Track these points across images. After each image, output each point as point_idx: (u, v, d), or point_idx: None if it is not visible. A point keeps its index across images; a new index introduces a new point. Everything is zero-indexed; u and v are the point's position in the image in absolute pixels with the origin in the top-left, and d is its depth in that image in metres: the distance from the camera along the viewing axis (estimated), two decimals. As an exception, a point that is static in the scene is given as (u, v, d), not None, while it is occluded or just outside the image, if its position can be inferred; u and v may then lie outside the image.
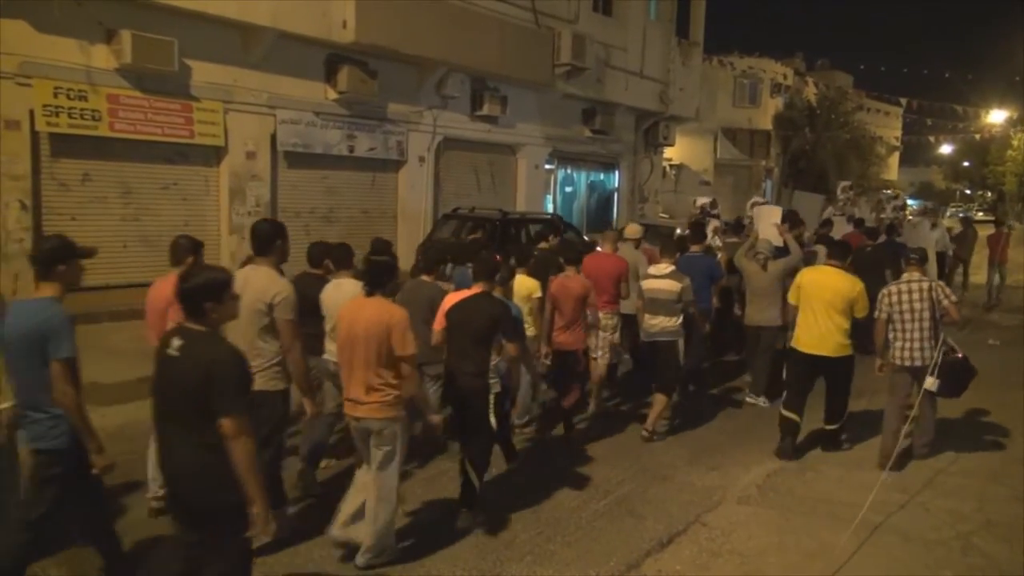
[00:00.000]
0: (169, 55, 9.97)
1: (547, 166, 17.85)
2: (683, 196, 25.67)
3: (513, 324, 4.96)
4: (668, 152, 23.98)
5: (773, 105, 31.42)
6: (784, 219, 8.80)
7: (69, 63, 9.48)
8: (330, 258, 5.79)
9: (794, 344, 6.46)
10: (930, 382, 5.86)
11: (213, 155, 11.35)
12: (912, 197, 46.47)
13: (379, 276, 4.35)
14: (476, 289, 5.05)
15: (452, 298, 5.15)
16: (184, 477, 3.18)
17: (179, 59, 10.13)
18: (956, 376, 5.94)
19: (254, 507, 3.11)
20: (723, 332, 9.15)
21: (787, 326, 7.01)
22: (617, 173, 20.47)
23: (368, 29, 11.85)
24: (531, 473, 5.90)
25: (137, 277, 9.70)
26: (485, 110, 15.04)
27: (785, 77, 31.99)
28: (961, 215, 25.39)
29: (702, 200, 14.81)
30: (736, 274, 8.44)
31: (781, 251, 8.08)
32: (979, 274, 15.66)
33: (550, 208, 17.79)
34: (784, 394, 6.65)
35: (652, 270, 6.89)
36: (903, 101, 29.48)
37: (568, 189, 19.38)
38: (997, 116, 31.47)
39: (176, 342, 3.16)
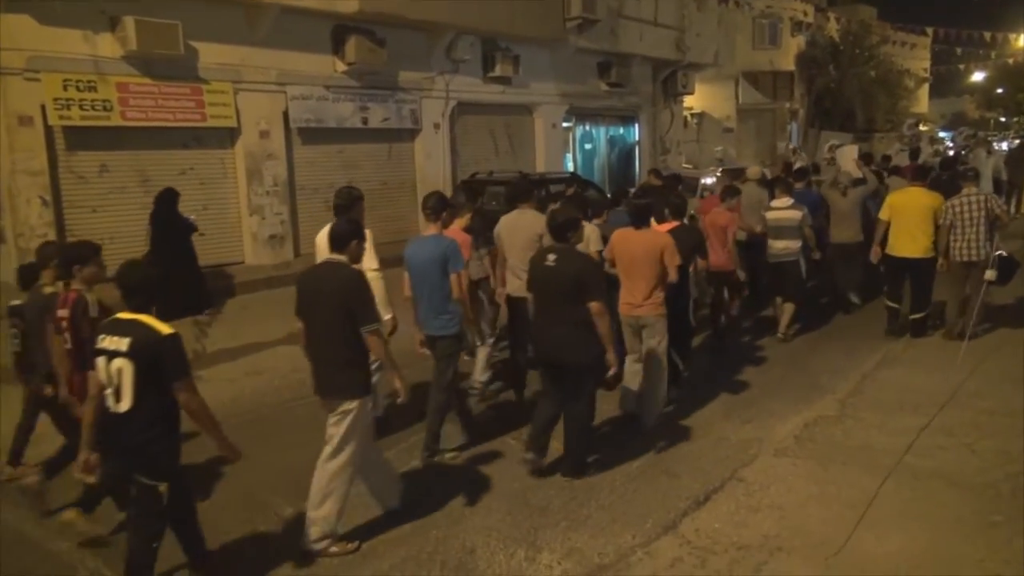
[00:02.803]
0: (174, 39, 9.86)
1: (565, 124, 17.55)
2: (706, 145, 25.14)
3: (702, 245, 6.62)
4: (688, 101, 23.40)
5: (795, 44, 30.34)
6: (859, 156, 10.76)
7: (76, 54, 9.43)
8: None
9: (888, 251, 8.01)
10: (990, 274, 7.26)
11: (227, 137, 11.30)
12: (944, 128, 45.12)
13: (642, 214, 5.91)
14: (675, 223, 6.42)
15: (664, 227, 6.34)
16: (560, 345, 4.87)
17: (185, 42, 10.01)
18: (1005, 268, 7.44)
19: (609, 356, 4.85)
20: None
21: (865, 242, 8.65)
22: (637, 126, 20.09)
23: (372, -3, 11.63)
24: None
25: (161, 264, 9.74)
26: (498, 71, 14.77)
27: (805, 14, 30.85)
28: (1014, 141, 26.08)
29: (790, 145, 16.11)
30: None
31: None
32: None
33: (570, 167, 17.53)
34: (885, 289, 8.41)
35: (775, 203, 8.38)
36: (929, 31, 28.41)
37: (588, 146, 19.07)
38: (1029, 39, 30.20)
39: (551, 256, 4.90)
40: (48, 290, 4.87)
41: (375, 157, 13.45)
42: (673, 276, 5.69)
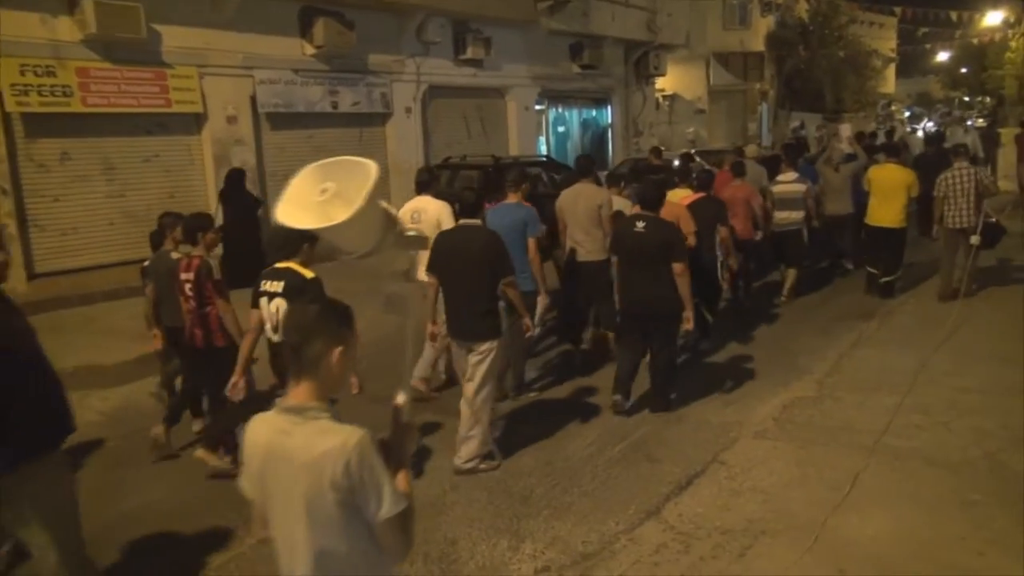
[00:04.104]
0: (136, 21, 9.58)
1: (537, 107, 17.43)
2: (678, 127, 25.15)
3: (725, 217, 7.46)
4: (660, 83, 23.39)
5: (765, 25, 30.38)
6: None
7: (33, 38, 9.13)
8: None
9: (867, 221, 8.88)
10: (974, 239, 8.04)
11: (193, 123, 11.04)
12: (909, 108, 45.61)
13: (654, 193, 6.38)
14: (702, 194, 7.43)
15: (686, 200, 7.22)
16: (647, 299, 5.63)
17: (147, 25, 9.74)
18: (991, 233, 8.21)
19: (687, 312, 5.61)
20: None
21: (855, 213, 9.42)
22: (609, 108, 20.03)
23: (340, -23, 11.40)
24: (543, 422, 5.79)
25: (127, 254, 9.51)
26: (469, 54, 14.60)
27: (776, -6, 30.95)
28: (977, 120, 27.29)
29: (794, 122, 17.62)
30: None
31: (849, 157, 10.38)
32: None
33: (543, 150, 17.43)
34: (865, 257, 9.23)
35: (781, 177, 9.16)
36: (897, 11, 28.64)
37: (561, 129, 18.98)
38: (994, 19, 30.50)
39: (640, 223, 5.62)
40: (175, 255, 5.40)
41: (346, 142, 13.21)
42: (690, 241, 6.29)
